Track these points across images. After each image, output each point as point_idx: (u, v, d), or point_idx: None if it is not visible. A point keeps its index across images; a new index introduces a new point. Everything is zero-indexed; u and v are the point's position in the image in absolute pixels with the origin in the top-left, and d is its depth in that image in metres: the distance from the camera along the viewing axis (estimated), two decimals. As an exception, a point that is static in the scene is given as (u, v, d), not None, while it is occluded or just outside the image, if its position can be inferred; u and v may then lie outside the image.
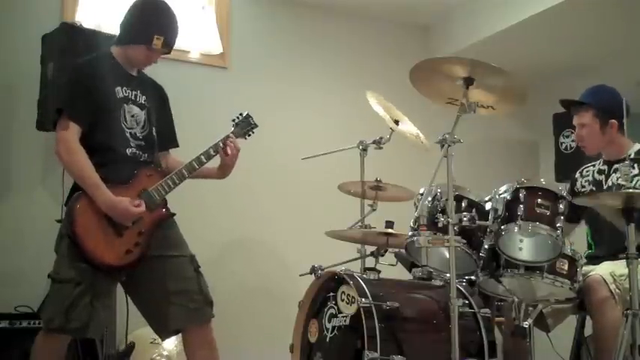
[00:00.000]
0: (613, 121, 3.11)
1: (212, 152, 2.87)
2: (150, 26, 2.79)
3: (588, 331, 3.05)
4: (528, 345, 2.80)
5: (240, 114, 3.06)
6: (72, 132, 2.63)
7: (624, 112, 3.03)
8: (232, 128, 2.99)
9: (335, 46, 4.86)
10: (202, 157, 2.84)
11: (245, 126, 3.03)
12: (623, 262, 2.61)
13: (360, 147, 3.62)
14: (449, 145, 2.57)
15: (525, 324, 2.72)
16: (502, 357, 2.85)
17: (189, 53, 4.39)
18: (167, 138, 2.97)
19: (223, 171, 2.96)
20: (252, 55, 4.58)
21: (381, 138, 3.51)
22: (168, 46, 2.82)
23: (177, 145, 3.03)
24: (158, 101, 2.93)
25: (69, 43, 3.46)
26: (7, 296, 3.52)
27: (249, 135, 3.07)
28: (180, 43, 4.29)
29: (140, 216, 2.66)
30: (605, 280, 2.81)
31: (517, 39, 4.52)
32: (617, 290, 2.79)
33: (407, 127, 3.51)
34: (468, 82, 2.66)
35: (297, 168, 4.13)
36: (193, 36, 4.37)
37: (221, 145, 2.89)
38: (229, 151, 2.90)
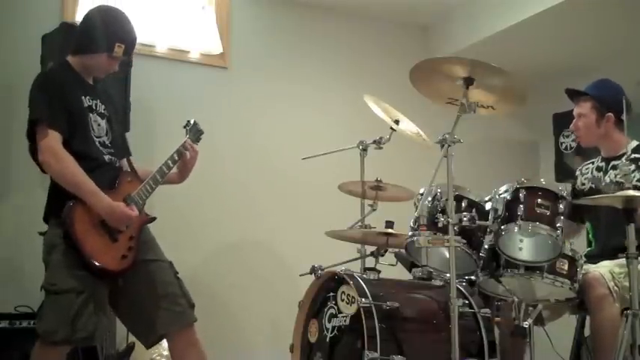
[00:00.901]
0: (610, 114, 3.12)
1: (176, 157, 2.89)
2: (111, 35, 2.77)
3: (588, 331, 3.05)
4: (528, 345, 2.80)
5: (188, 121, 3.05)
6: (55, 139, 2.60)
7: (624, 108, 3.04)
8: (186, 134, 2.99)
9: (335, 46, 4.86)
10: (169, 162, 2.86)
11: (195, 132, 3.04)
12: (623, 260, 2.61)
13: (360, 147, 3.62)
14: (449, 145, 2.58)
15: (525, 324, 2.72)
16: (502, 357, 2.85)
17: (189, 53, 4.39)
18: (122, 147, 2.95)
19: (182, 174, 2.97)
20: (252, 55, 4.58)
21: (381, 138, 3.51)
22: (128, 53, 2.82)
23: (130, 154, 2.98)
24: (113, 111, 2.93)
25: (69, 43, 3.45)
26: (7, 296, 3.52)
27: (199, 140, 3.05)
28: (180, 43, 4.35)
29: (134, 220, 2.67)
30: (603, 277, 2.81)
31: (517, 39, 4.52)
32: (615, 288, 2.79)
33: (407, 125, 3.51)
34: (468, 82, 2.66)
35: (297, 168, 4.13)
36: (193, 36, 4.37)
37: (182, 150, 2.91)
38: (189, 155, 2.91)
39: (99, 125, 2.78)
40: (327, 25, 4.85)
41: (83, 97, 2.75)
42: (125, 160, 2.89)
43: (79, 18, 3.86)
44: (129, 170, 2.83)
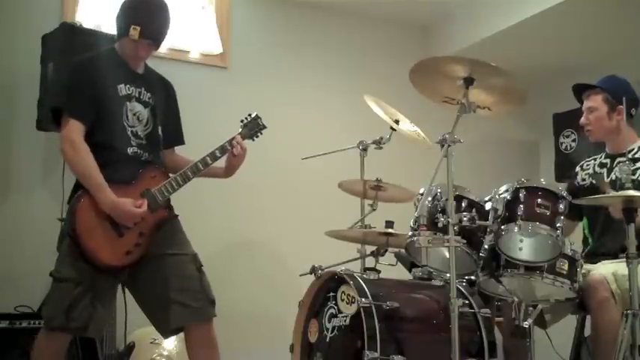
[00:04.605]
0: (621, 107, 3.11)
1: (218, 154, 2.86)
2: (127, 17, 2.79)
3: (588, 331, 3.04)
4: (528, 345, 2.79)
5: (249, 115, 3.04)
6: (76, 130, 2.63)
7: (635, 102, 3.08)
8: (240, 129, 2.98)
9: (335, 46, 4.86)
10: (208, 158, 2.83)
11: (253, 127, 3.02)
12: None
13: (360, 147, 3.62)
14: (449, 145, 2.57)
15: (525, 324, 2.72)
16: (502, 357, 2.85)
17: (189, 53, 4.39)
18: (173, 135, 2.97)
19: (229, 171, 2.96)
20: (252, 55, 4.58)
21: (381, 138, 3.51)
22: (147, 36, 2.78)
23: (183, 143, 3.03)
24: (165, 98, 2.93)
25: (69, 43, 3.46)
26: (7, 296, 3.52)
27: (257, 136, 3.05)
28: (180, 43, 4.34)
29: (142, 217, 2.66)
30: (607, 280, 2.80)
31: (517, 39, 4.52)
32: (618, 290, 2.77)
33: (407, 125, 3.51)
34: (468, 82, 2.66)
35: (297, 168, 4.13)
36: (193, 36, 4.37)
37: (228, 146, 2.88)
38: (236, 153, 2.89)
39: (135, 114, 2.76)
40: (327, 25, 4.85)
41: (122, 85, 2.75)
42: (166, 151, 2.90)
43: (79, 18, 3.87)
44: (156, 164, 2.81)
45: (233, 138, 2.90)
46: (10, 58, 3.87)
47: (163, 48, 4.23)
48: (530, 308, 2.78)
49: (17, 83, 3.86)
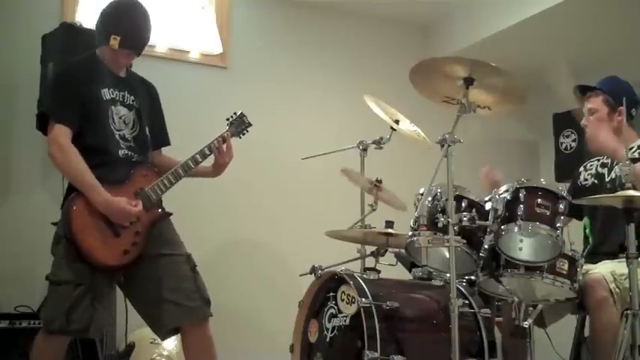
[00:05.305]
0: (621, 108, 3.12)
1: (207, 151, 2.89)
2: (108, 26, 2.79)
3: (588, 331, 3.04)
4: (528, 345, 2.79)
5: (235, 113, 3.08)
6: (63, 133, 2.63)
7: (635, 102, 3.09)
8: (227, 127, 3.01)
9: (335, 46, 4.86)
10: (197, 156, 2.86)
11: (239, 125, 3.06)
12: (625, 261, 2.61)
13: (360, 147, 3.62)
14: (449, 145, 2.57)
15: (525, 324, 2.72)
16: (502, 357, 2.85)
17: (189, 53, 4.40)
18: (158, 137, 2.97)
19: (217, 169, 2.98)
20: (252, 55, 4.58)
21: (381, 138, 3.51)
22: (126, 46, 2.78)
23: (169, 144, 3.04)
24: (148, 100, 2.93)
25: (69, 43, 3.46)
26: (7, 296, 3.52)
27: (244, 134, 3.09)
28: (180, 43, 4.35)
29: (137, 216, 2.66)
30: (605, 279, 2.80)
31: (517, 39, 4.52)
32: (616, 290, 2.77)
33: (407, 125, 3.51)
34: (468, 82, 2.66)
35: (297, 168, 4.13)
36: (193, 36, 4.38)
37: (215, 144, 2.90)
38: (223, 150, 2.92)
39: (120, 117, 2.77)
40: (326, 25, 4.86)
41: (106, 90, 2.75)
42: (153, 153, 2.90)
43: (79, 18, 3.87)
44: (147, 164, 2.82)
45: (220, 136, 2.93)
46: (10, 58, 3.87)
47: (163, 48, 4.27)
48: (530, 308, 2.78)
49: (17, 83, 3.86)
